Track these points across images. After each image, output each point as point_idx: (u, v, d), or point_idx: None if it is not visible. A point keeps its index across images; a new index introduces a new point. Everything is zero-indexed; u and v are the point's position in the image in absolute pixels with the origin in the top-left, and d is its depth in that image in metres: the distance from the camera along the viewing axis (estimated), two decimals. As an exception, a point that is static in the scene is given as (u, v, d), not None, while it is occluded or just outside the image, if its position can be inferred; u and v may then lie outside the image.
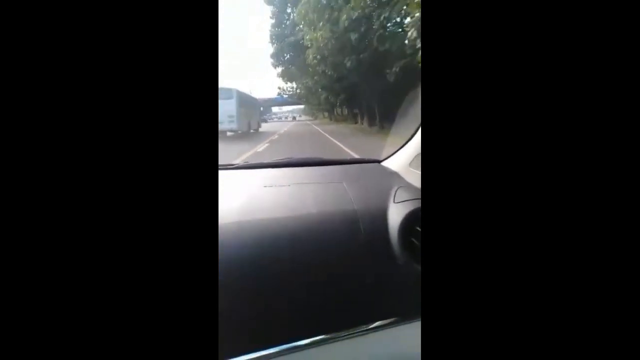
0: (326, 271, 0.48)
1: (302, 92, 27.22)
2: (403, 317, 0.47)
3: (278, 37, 20.66)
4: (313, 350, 0.42)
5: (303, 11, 10.33)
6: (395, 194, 0.64)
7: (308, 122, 33.94)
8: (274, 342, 0.42)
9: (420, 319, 0.28)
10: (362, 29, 8.18)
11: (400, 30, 7.58)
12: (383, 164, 0.98)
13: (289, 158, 1.04)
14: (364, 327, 0.44)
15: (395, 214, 0.57)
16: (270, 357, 0.41)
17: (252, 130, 11.63)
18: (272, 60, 23.27)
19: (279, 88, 33.29)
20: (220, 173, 0.87)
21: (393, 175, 0.85)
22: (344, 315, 0.45)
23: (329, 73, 11.79)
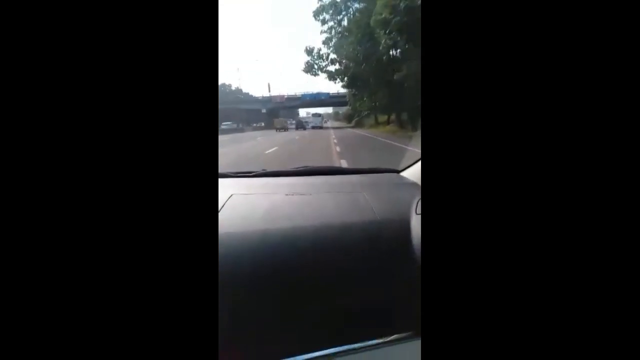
0: (348, 282, 0.49)
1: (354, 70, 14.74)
2: (413, 332, 0.48)
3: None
4: None
5: None
6: (417, 205, 0.62)
7: (355, 130, 21.08)
8: (291, 350, 0.43)
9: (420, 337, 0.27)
10: None
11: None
12: (402, 174, 0.96)
13: (306, 166, 1.02)
14: (373, 342, 0.45)
15: (418, 226, 0.55)
16: None
17: (323, 125, 25.53)
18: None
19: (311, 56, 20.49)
20: (240, 180, 0.88)
21: (413, 186, 0.83)
22: (362, 326, 0.47)
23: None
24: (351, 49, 15.97)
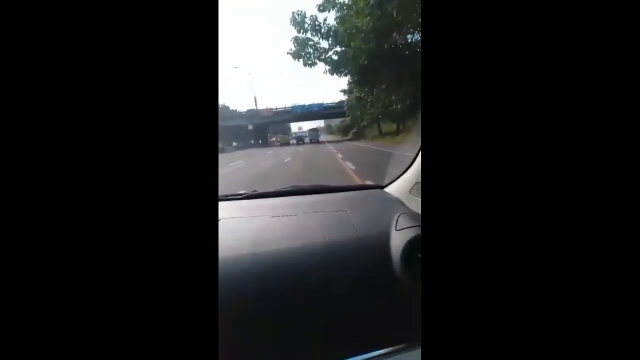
0: (330, 301, 0.51)
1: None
2: (406, 345, 0.48)
3: None
4: None
5: None
6: (397, 221, 0.65)
7: (357, 143, 17.63)
8: None
9: (420, 346, 0.27)
10: None
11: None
12: (386, 189, 0.97)
13: (295, 186, 1.03)
14: (365, 356, 0.46)
15: (397, 241, 0.58)
16: None
17: (316, 140, 25.82)
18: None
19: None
20: (229, 204, 0.89)
21: (395, 202, 0.85)
22: (347, 342, 0.48)
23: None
24: (367, 19, 10.46)
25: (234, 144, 27.18)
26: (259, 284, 0.51)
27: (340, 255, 0.56)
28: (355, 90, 16.68)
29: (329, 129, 62.68)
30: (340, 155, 8.81)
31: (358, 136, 26.17)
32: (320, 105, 29.05)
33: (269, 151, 16.16)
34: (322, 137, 37.24)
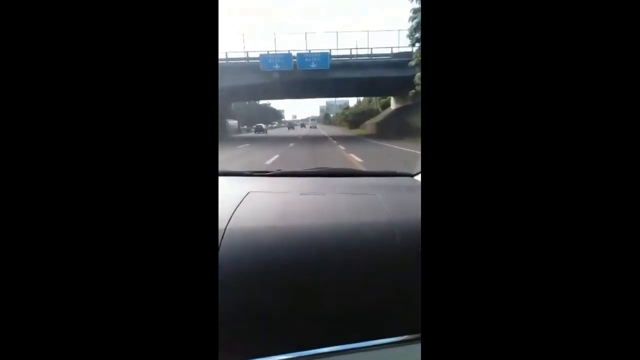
0: (359, 281, 0.51)
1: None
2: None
3: None
4: None
5: None
6: None
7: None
8: (289, 347, 0.44)
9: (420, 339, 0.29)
10: None
11: None
12: (416, 178, 0.98)
13: (321, 168, 1.06)
14: (376, 342, 0.46)
15: None
16: None
17: (315, 127, 37.48)
18: None
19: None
20: (257, 179, 0.93)
21: None
22: (366, 327, 0.47)
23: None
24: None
25: None
26: (281, 256, 0.51)
27: (370, 237, 0.56)
28: None
29: (325, 119, 49.30)
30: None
31: (390, 130, 12.20)
32: (324, 59, 13.06)
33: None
34: (319, 128, 32.00)
